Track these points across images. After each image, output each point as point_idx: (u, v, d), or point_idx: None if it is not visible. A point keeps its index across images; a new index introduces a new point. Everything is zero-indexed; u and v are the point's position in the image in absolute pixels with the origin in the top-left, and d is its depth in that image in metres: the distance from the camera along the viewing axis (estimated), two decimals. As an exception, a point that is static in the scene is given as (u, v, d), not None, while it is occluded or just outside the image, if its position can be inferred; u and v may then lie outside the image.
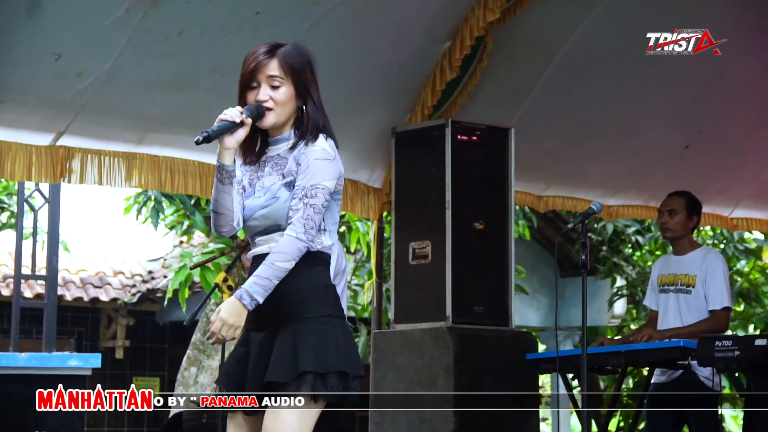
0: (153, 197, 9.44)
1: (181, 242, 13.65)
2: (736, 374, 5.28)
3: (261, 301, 3.25)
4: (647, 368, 6.14)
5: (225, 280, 5.42)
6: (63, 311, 12.46)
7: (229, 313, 3.25)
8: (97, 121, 5.85)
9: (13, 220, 10.46)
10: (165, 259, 13.81)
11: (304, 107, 3.40)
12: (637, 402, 8.44)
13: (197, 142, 3.30)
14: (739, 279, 11.80)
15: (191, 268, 8.86)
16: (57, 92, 5.64)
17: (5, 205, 10.75)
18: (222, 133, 3.33)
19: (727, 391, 8.07)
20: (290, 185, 3.35)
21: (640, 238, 12.22)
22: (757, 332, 11.21)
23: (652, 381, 6.08)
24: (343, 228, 10.16)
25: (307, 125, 3.39)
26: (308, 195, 3.30)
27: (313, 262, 3.35)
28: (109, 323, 14.00)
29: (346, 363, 3.30)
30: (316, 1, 5.67)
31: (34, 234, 7.81)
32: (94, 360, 6.79)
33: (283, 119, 3.40)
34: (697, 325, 5.81)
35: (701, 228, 11.73)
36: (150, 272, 14.07)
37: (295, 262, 3.28)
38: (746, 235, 11.96)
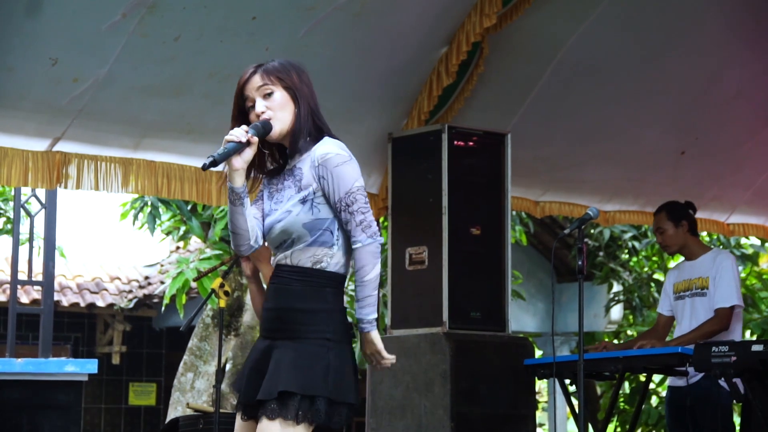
0: (149, 203, 9.44)
1: (178, 248, 13.65)
2: (733, 380, 5.28)
3: (377, 315, 3.35)
4: (644, 374, 6.15)
5: (222, 285, 5.42)
6: (59, 317, 12.46)
7: (372, 344, 3.38)
8: (93, 126, 5.85)
9: (9, 226, 10.46)
10: (162, 265, 13.81)
11: (297, 110, 3.39)
12: (634, 408, 8.42)
13: (204, 168, 3.30)
14: (735, 284, 11.78)
15: (194, 280, 8.84)
16: (53, 97, 5.64)
17: (1, 211, 10.75)
18: (228, 156, 3.30)
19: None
20: (306, 199, 3.34)
21: (636, 244, 12.23)
22: (754, 338, 11.21)
23: (670, 385, 6.08)
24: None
25: (302, 127, 3.38)
26: (349, 203, 3.31)
27: (323, 283, 3.35)
28: (106, 329, 14.00)
29: (332, 389, 3.27)
30: (312, 6, 5.68)
31: (31, 240, 7.81)
32: (91, 366, 6.76)
33: (287, 125, 3.39)
34: (700, 328, 5.79)
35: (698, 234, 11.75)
36: (146, 278, 14.06)
37: (379, 261, 3.32)
38: (743, 240, 11.98)
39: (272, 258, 3.46)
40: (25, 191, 7.69)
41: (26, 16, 5.17)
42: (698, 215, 8.43)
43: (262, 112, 3.36)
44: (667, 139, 7.59)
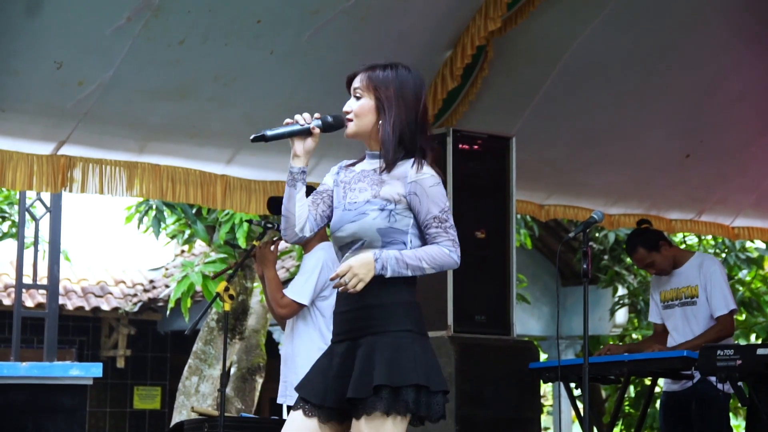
0: (154, 206, 9.44)
1: (183, 251, 13.65)
2: (738, 384, 5.28)
3: (388, 275, 3.33)
4: (650, 378, 6.14)
5: (226, 289, 5.41)
6: (64, 321, 12.45)
7: (359, 263, 3.34)
8: (98, 129, 5.86)
9: (14, 230, 10.45)
10: (166, 269, 13.82)
11: (381, 122, 3.46)
12: (639, 411, 8.42)
13: (252, 139, 3.37)
14: (740, 288, 11.78)
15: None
16: (58, 101, 5.65)
17: (6, 215, 10.75)
18: (281, 137, 3.39)
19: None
20: (386, 208, 3.40)
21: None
22: (759, 341, 11.20)
23: (664, 389, 6.07)
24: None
25: (386, 139, 3.44)
26: (443, 220, 3.40)
27: (396, 280, 3.39)
28: (111, 332, 14.00)
29: (424, 376, 3.32)
30: (317, 10, 5.68)
31: (36, 243, 7.81)
32: (96, 369, 6.77)
33: (363, 130, 3.48)
34: (705, 334, 5.80)
35: (703, 237, 11.73)
36: (151, 281, 14.07)
37: (432, 272, 3.38)
38: (747, 244, 11.95)
39: (339, 256, 3.49)
40: (30, 195, 7.70)
41: (27, 16, 5.17)
42: (703, 218, 8.45)
43: (347, 112, 3.48)
44: (672, 142, 7.59)
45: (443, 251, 3.39)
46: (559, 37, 6.58)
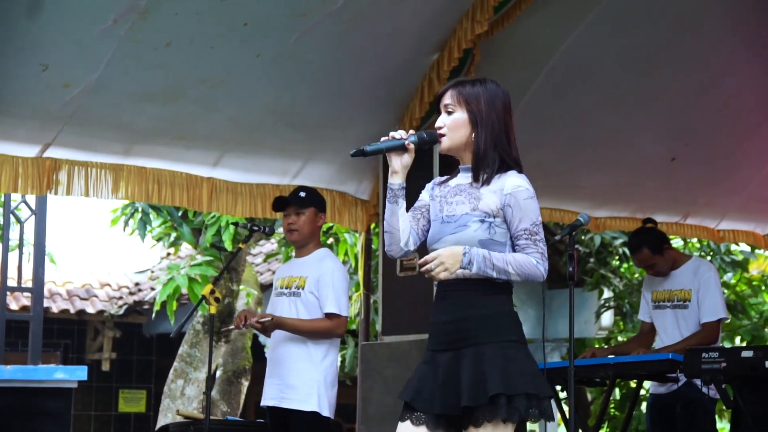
0: (140, 209, 9.41)
1: (169, 254, 13.62)
2: (723, 386, 5.29)
3: (473, 270, 3.43)
4: (635, 380, 6.15)
5: (212, 292, 5.41)
6: (49, 323, 12.41)
7: (448, 253, 3.45)
8: (84, 132, 5.84)
9: (-1, 232, 10.42)
10: (152, 271, 13.78)
11: (474, 135, 3.55)
12: (625, 414, 8.42)
13: (352, 154, 3.52)
14: (725, 291, 11.81)
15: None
16: (44, 103, 5.63)
17: (-9, 217, 10.71)
18: (378, 151, 3.51)
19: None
20: (485, 220, 3.51)
21: (627, 250, 12.22)
22: (744, 344, 11.23)
23: (651, 392, 6.09)
24: (330, 240, 10.15)
25: (480, 153, 3.54)
26: (533, 233, 3.53)
27: (499, 290, 3.52)
28: (96, 335, 13.95)
29: (533, 385, 3.44)
30: (304, 13, 5.67)
31: (21, 246, 7.79)
32: (80, 372, 6.74)
33: (457, 144, 3.58)
34: (688, 339, 5.82)
35: (688, 240, 11.76)
36: (137, 284, 14.03)
37: (517, 279, 3.48)
38: (733, 247, 11.98)
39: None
40: (15, 197, 7.69)
41: (26, 18, 5.16)
42: (689, 221, 8.47)
43: (440, 127, 3.59)
44: (658, 146, 7.61)
45: (531, 261, 3.50)
46: (546, 40, 6.59)
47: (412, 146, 3.53)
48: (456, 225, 3.52)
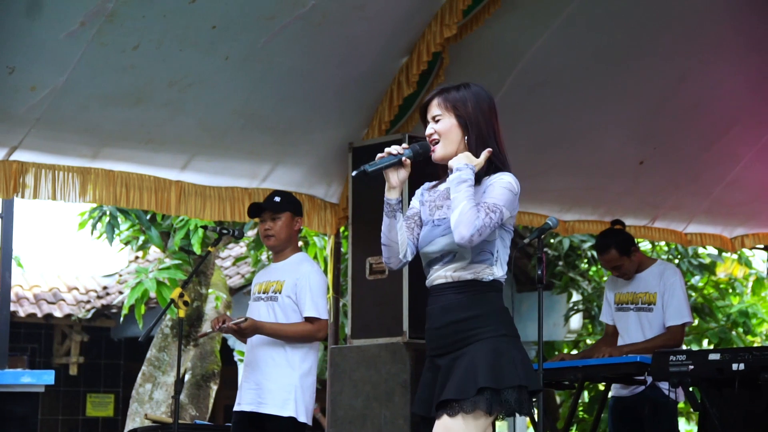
0: (108, 212, 9.36)
1: (137, 258, 13.56)
2: (690, 389, 5.32)
3: (462, 177, 3.50)
4: (603, 383, 6.18)
5: (181, 295, 5.38)
6: (16, 327, 12.32)
7: (466, 156, 3.56)
8: (51, 135, 5.80)
9: (-35, 236, 10.33)
10: (120, 275, 13.71)
11: (466, 138, 3.59)
12: (593, 417, 8.46)
13: (354, 176, 3.54)
14: (693, 294, 11.90)
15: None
16: (10, 106, 5.59)
17: (-43, 220, 10.61)
18: (379, 169, 3.52)
19: (681, 405, 8.12)
20: None
21: (595, 253, 12.28)
22: (711, 347, 11.31)
23: (613, 395, 6.11)
24: (300, 243, 10.13)
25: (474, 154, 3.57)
26: (490, 208, 3.51)
27: (486, 290, 3.57)
28: (63, 339, 13.87)
29: (523, 378, 3.49)
30: (272, 15, 5.66)
31: (-13, 249, 7.72)
32: (48, 377, 6.70)
33: (451, 150, 3.61)
34: (653, 340, 5.86)
35: (656, 243, 11.83)
36: (105, 288, 13.96)
37: (475, 228, 3.44)
38: (700, 250, 12.07)
39: (427, 272, 3.62)
40: (-18, 200, 7.61)
41: (28, 17, 5.12)
42: (656, 224, 8.52)
43: (430, 135, 3.61)
44: (626, 149, 7.64)
45: (473, 214, 3.47)
46: (515, 43, 6.61)
47: (408, 162, 3.56)
48: (446, 227, 3.55)
